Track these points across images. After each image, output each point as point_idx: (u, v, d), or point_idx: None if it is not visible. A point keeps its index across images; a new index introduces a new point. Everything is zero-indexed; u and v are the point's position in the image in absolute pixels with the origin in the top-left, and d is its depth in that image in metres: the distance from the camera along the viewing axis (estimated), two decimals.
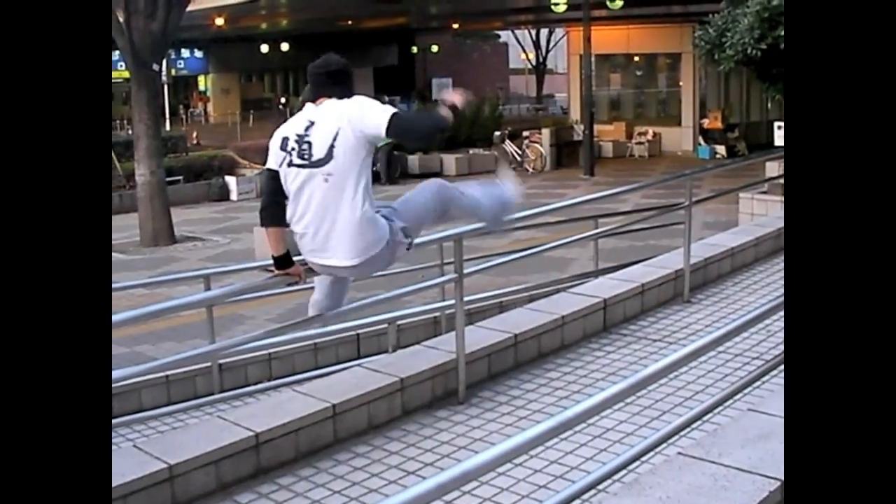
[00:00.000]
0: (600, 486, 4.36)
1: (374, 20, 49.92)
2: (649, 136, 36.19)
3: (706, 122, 35.28)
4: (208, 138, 42.80)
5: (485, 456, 3.12)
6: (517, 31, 68.85)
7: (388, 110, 4.88)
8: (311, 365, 8.89)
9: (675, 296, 8.47)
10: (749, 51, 13.99)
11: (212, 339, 8.08)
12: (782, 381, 3.72)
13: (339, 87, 5.15)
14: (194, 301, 6.44)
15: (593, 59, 32.79)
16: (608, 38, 36.49)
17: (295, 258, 5.21)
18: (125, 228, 23.20)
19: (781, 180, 12.12)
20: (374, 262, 5.08)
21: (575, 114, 38.35)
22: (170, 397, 8.49)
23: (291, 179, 4.98)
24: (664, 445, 4.63)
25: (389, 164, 29.78)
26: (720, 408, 5.07)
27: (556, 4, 32.29)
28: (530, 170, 32.28)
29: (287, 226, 5.12)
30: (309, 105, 5.19)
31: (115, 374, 7.38)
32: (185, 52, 61.07)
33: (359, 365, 6.56)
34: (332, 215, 4.91)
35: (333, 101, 5.08)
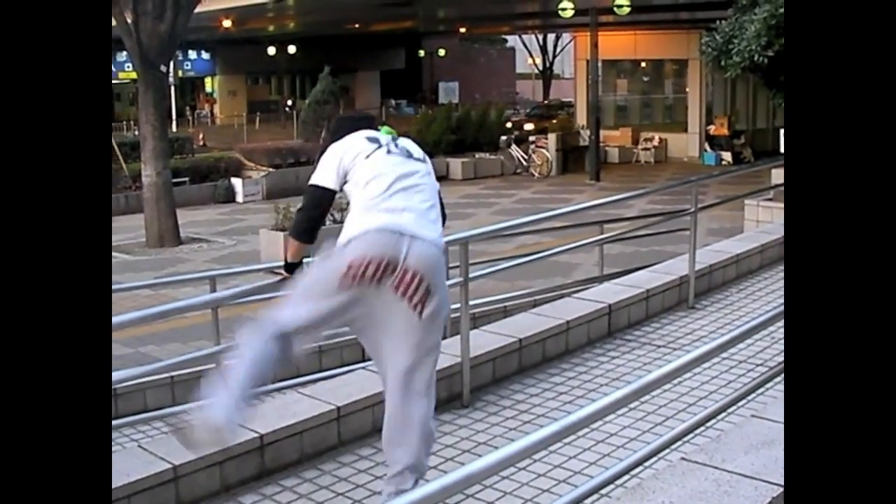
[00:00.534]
0: (603, 491, 4.37)
1: (382, 24, 50.02)
2: (655, 142, 36.21)
3: (712, 129, 35.31)
4: (214, 140, 42.94)
5: (489, 459, 3.14)
6: (524, 36, 68.99)
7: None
8: (315, 367, 8.90)
9: (680, 302, 8.48)
10: (756, 58, 13.97)
11: (217, 341, 8.09)
12: None
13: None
14: (200, 302, 6.46)
15: (600, 64, 32.85)
16: (615, 44, 36.52)
17: None
18: (131, 229, 23.24)
19: None
20: None
21: (581, 119, 38.36)
22: (174, 398, 8.50)
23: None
24: (667, 451, 4.64)
25: None
26: (723, 414, 5.08)
27: (564, 10, 32.31)
28: (536, 175, 32.32)
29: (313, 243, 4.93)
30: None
31: (121, 374, 7.43)
32: (193, 54, 61.20)
33: (363, 367, 6.57)
34: None
35: None
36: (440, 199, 4.70)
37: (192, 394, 5.14)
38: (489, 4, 40.22)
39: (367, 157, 4.58)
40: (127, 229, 23.61)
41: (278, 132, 45.88)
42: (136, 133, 30.68)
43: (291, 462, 5.37)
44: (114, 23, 21.94)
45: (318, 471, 5.33)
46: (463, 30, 59.03)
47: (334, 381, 6.28)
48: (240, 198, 30.05)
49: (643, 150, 36.03)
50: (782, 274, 9.40)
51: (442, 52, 68.38)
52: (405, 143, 4.77)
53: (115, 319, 5.19)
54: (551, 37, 66.63)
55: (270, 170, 33.26)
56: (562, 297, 8.77)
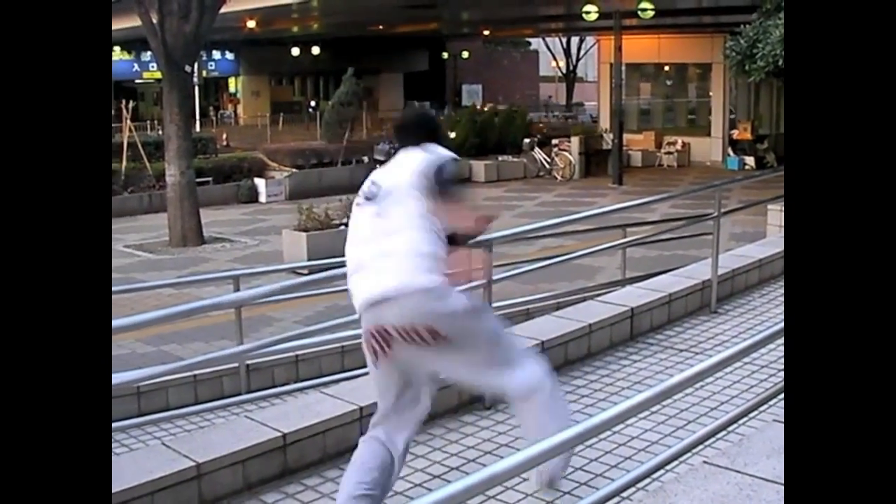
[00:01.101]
0: (624, 494, 4.38)
1: (406, 26, 50.02)
2: (678, 146, 36.11)
3: (735, 133, 35.21)
4: (238, 140, 42.99)
5: (511, 461, 3.15)
6: (548, 39, 68.87)
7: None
8: (337, 367, 8.92)
9: (703, 306, 8.47)
10: (780, 62, 13.94)
11: (240, 341, 8.12)
12: None
13: None
14: (225, 302, 6.50)
15: (624, 67, 32.77)
16: (639, 47, 36.43)
17: None
18: (154, 228, 23.35)
19: None
20: None
21: (605, 122, 38.31)
22: (197, 397, 8.55)
23: None
24: (689, 454, 4.64)
25: None
26: (745, 418, 5.08)
27: (588, 13, 32.28)
28: (559, 178, 32.30)
29: None
30: None
31: (143, 372, 7.49)
32: (217, 54, 61.31)
33: None
34: None
35: None
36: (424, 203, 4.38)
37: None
38: (513, 7, 40.18)
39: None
40: (150, 228, 23.71)
41: (301, 133, 45.94)
42: (161, 132, 30.78)
43: (314, 461, 5.40)
44: (139, 23, 22.07)
45: (340, 470, 5.33)
46: (487, 32, 58.93)
47: (356, 381, 6.29)
48: (263, 198, 30.13)
49: (666, 153, 35.94)
50: None
51: (466, 55, 68.29)
52: (391, 164, 4.64)
53: (139, 318, 5.25)
54: (575, 40, 66.58)
55: (293, 170, 33.33)
56: (584, 299, 8.77)
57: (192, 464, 4.93)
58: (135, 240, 22.41)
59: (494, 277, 6.46)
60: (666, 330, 7.95)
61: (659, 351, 7.44)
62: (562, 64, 69.50)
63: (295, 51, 57.14)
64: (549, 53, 71.25)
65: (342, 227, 16.11)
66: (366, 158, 33.66)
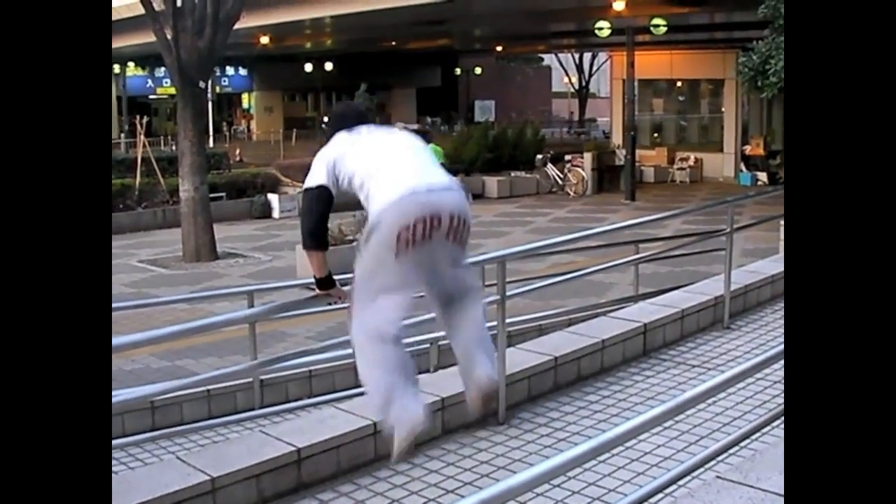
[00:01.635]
0: None
1: (418, 41, 50.14)
2: (691, 162, 36.07)
3: (748, 149, 35.17)
4: (251, 156, 43.10)
5: (524, 476, 3.17)
6: (560, 55, 68.94)
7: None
8: (350, 383, 8.92)
9: (715, 322, 8.48)
10: None
11: (254, 356, 8.16)
12: None
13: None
14: (239, 317, 6.54)
15: (636, 83, 32.77)
16: (651, 63, 36.44)
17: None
18: (168, 243, 23.39)
19: None
20: None
21: (617, 138, 38.29)
22: (210, 411, 8.58)
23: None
24: (702, 469, 4.65)
25: None
26: (758, 434, 5.09)
27: (600, 29, 32.31)
28: (572, 194, 32.28)
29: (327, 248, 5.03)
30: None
31: (157, 387, 7.52)
32: (230, 70, 61.62)
33: None
34: None
35: None
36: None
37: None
38: (525, 23, 40.24)
39: (353, 145, 4.75)
40: (164, 243, 23.76)
41: (314, 148, 45.49)
42: (174, 148, 30.81)
43: (328, 476, 5.42)
44: (154, 38, 22.15)
45: (354, 485, 5.37)
46: (499, 48, 59.08)
47: None
48: (276, 213, 30.13)
49: (679, 169, 35.89)
50: None
51: (478, 70, 68.47)
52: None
53: (153, 333, 5.27)
54: (587, 56, 66.66)
55: None
56: (597, 316, 8.79)
57: (207, 478, 4.95)
58: (148, 255, 22.45)
59: (508, 293, 6.47)
60: (679, 346, 7.96)
61: (672, 366, 7.45)
62: (574, 80, 69.59)
63: (308, 66, 57.35)
64: (561, 69, 71.37)
65: (355, 243, 16.12)
66: None
